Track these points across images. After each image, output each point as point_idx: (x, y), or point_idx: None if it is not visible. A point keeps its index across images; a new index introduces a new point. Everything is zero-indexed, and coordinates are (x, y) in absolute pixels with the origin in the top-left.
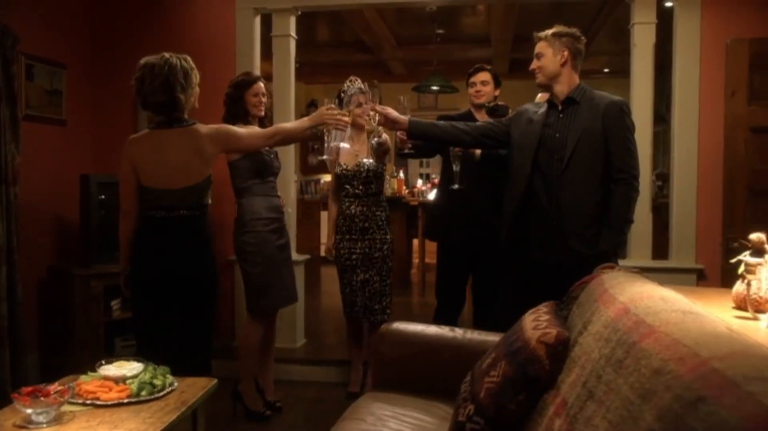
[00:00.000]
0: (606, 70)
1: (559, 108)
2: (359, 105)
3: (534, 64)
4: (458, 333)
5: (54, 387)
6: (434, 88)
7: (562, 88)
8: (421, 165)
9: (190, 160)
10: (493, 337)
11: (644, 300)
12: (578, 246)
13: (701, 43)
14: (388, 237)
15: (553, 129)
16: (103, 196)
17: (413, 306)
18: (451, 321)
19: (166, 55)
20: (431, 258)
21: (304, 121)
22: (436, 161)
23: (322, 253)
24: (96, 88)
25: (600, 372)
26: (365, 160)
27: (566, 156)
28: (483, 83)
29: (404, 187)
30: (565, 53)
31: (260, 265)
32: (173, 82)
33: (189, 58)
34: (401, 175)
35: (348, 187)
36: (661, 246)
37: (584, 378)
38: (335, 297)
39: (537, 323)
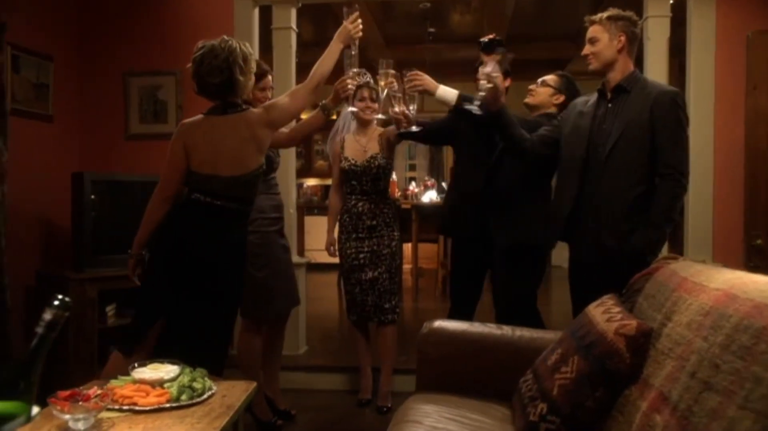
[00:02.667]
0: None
1: (608, 97)
2: (363, 99)
3: (587, 50)
4: (506, 330)
5: (93, 391)
6: None
7: (615, 76)
8: (407, 169)
9: (242, 147)
10: (544, 334)
11: (750, 284)
12: (610, 241)
13: (717, 36)
14: (395, 234)
15: (600, 119)
16: (94, 196)
17: (406, 311)
18: (467, 319)
19: (226, 37)
20: (424, 263)
21: (333, 47)
22: (422, 162)
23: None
24: (84, 82)
25: (716, 361)
26: (377, 156)
27: (608, 147)
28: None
29: (397, 190)
30: (622, 38)
31: (266, 268)
32: (233, 63)
33: (248, 44)
34: (394, 176)
35: (355, 182)
36: (672, 244)
37: (691, 369)
38: (327, 302)
39: (609, 315)
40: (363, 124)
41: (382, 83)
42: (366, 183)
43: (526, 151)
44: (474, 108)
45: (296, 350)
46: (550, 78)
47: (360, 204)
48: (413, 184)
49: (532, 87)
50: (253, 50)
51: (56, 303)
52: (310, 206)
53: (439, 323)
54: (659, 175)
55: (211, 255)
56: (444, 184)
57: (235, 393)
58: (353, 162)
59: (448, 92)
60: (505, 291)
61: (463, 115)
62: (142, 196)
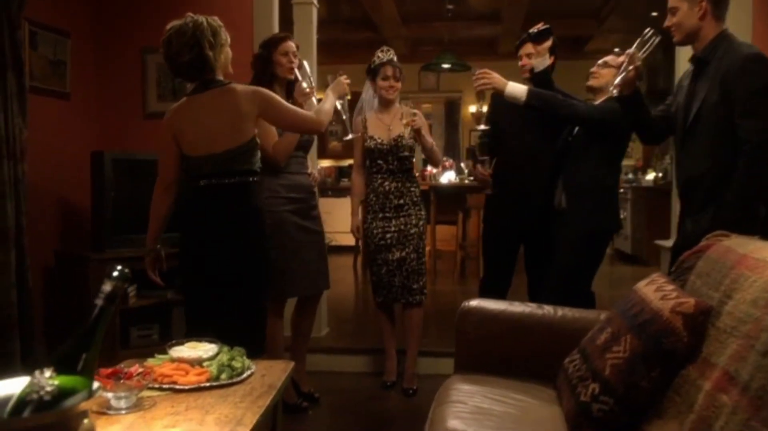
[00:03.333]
0: (616, 50)
1: (694, 69)
2: (386, 78)
3: (668, 21)
4: (547, 310)
5: (135, 368)
6: (445, 66)
7: (698, 46)
8: None
9: (231, 120)
10: (587, 314)
11: None
12: (690, 227)
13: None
14: (422, 212)
15: (688, 97)
16: (113, 175)
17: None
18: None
19: (192, 15)
20: (442, 245)
21: (331, 97)
22: (438, 142)
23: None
24: (102, 59)
25: None
26: (403, 135)
27: (687, 125)
28: (528, 56)
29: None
30: (703, 4)
31: (277, 248)
32: (200, 39)
33: (216, 18)
34: None
35: (381, 162)
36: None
37: (762, 347)
38: (343, 285)
39: (663, 293)
40: (386, 103)
41: (404, 122)
42: (392, 162)
43: (652, 131)
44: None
45: (318, 332)
46: (611, 58)
47: (386, 183)
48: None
49: (594, 69)
50: (274, 26)
51: (115, 274)
52: (323, 188)
53: (478, 302)
54: (740, 152)
55: (223, 235)
56: (462, 164)
57: (274, 372)
58: (379, 141)
59: (517, 89)
60: (567, 274)
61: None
62: None
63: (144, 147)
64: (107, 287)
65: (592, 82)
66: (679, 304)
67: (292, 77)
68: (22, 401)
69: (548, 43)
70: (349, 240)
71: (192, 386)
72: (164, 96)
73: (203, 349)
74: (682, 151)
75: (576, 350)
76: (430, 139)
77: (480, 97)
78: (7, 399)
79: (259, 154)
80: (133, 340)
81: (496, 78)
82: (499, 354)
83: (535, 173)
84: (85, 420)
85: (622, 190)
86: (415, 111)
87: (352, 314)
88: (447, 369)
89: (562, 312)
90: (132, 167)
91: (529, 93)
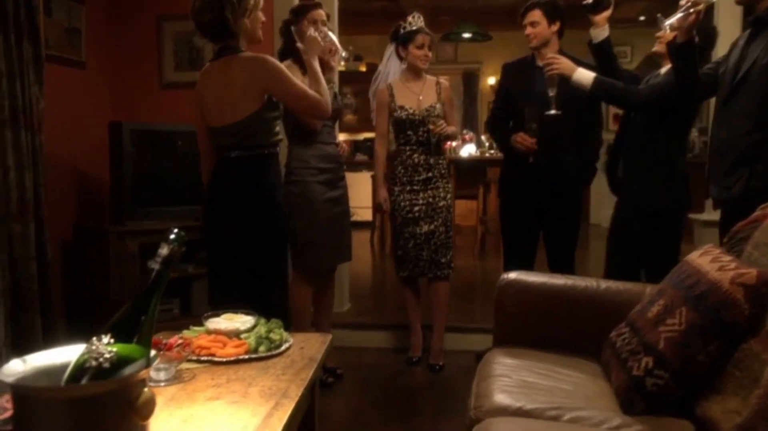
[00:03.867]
0: (642, 18)
1: (750, 30)
2: (421, 46)
3: None
4: (590, 282)
5: (174, 340)
6: (465, 35)
7: (764, 6)
8: None
9: (236, 92)
10: (632, 287)
11: None
12: (717, 192)
13: None
14: (449, 186)
15: (738, 55)
16: (132, 146)
17: None
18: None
19: None
20: (461, 221)
21: (313, 64)
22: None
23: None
24: (116, 27)
25: None
26: (435, 106)
27: (734, 84)
28: (532, 24)
29: None
30: None
31: (305, 219)
32: (223, 0)
33: None
34: None
35: (411, 133)
36: None
37: None
38: (360, 261)
39: (720, 264)
40: (416, 71)
41: (431, 127)
42: (423, 133)
43: (694, 87)
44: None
45: (340, 308)
46: (680, 18)
47: (415, 156)
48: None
49: (659, 34)
50: None
51: (172, 237)
52: None
53: (518, 275)
54: None
55: (235, 209)
56: (483, 137)
57: (312, 344)
58: (410, 111)
59: (584, 76)
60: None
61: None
62: (183, 147)
63: (160, 119)
64: (164, 251)
65: (657, 48)
66: (739, 275)
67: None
68: (80, 368)
69: (608, 13)
70: (366, 215)
71: (231, 358)
72: (181, 66)
73: (240, 321)
74: (722, 111)
75: (624, 323)
76: (452, 129)
77: (550, 82)
78: (62, 367)
79: (275, 127)
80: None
81: (564, 63)
82: (540, 328)
83: (549, 145)
84: (145, 389)
85: None
86: (442, 121)
87: (372, 290)
88: (471, 344)
89: (605, 284)
90: (151, 138)
91: (595, 82)
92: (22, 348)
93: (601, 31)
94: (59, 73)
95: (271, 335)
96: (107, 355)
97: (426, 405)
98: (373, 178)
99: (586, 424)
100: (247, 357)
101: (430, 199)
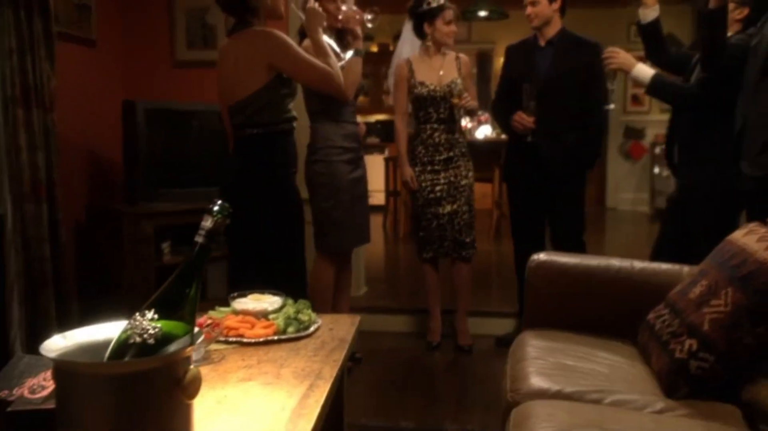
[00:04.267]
0: None
1: None
2: (449, 22)
3: None
4: (625, 263)
5: (203, 320)
6: (482, 14)
7: None
8: None
9: (243, 68)
10: (669, 267)
11: None
12: (748, 169)
13: None
14: (470, 164)
15: None
16: (146, 126)
17: None
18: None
19: None
20: (476, 204)
21: (316, 36)
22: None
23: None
24: (127, 3)
25: None
26: (456, 81)
27: (759, 65)
28: (532, 3)
29: None
30: None
31: (331, 199)
32: None
33: None
34: None
35: (432, 110)
36: None
37: None
38: (373, 244)
39: None
40: (438, 47)
41: (455, 101)
42: (444, 111)
43: (721, 58)
44: None
45: (356, 291)
46: None
47: (436, 134)
48: (466, 119)
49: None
50: None
51: (215, 208)
52: None
53: (549, 255)
54: None
55: (246, 190)
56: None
57: (342, 326)
58: (432, 87)
59: (643, 73)
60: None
61: None
62: (199, 127)
63: (173, 98)
64: (207, 223)
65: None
66: None
67: (339, 26)
68: (123, 344)
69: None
70: (379, 199)
71: (260, 339)
72: (194, 43)
73: (268, 301)
74: (758, 84)
75: (662, 305)
76: (475, 103)
77: (611, 75)
78: (104, 344)
79: (286, 104)
80: None
81: (623, 57)
82: (572, 310)
83: (548, 124)
84: (191, 367)
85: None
86: (467, 94)
87: (385, 274)
88: (489, 329)
89: (640, 265)
90: (166, 117)
91: (653, 81)
92: (35, 331)
93: (650, 12)
94: (69, 50)
95: (300, 316)
96: (151, 331)
97: (449, 390)
98: (386, 160)
99: (629, 408)
100: (276, 338)
101: (452, 179)
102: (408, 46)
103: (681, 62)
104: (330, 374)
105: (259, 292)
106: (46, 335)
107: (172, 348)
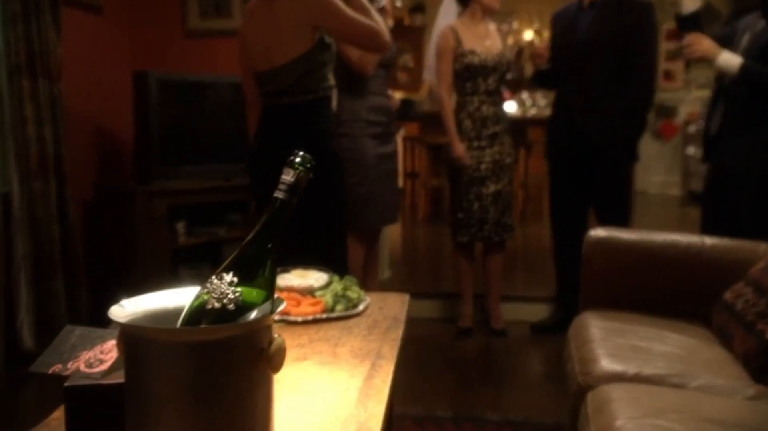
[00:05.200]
0: None
1: None
2: None
3: None
4: (693, 239)
5: None
6: None
7: None
8: None
9: (284, 30)
10: (742, 244)
11: None
12: None
13: None
14: (512, 140)
15: None
16: (159, 98)
17: None
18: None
19: None
20: None
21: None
22: None
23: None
24: None
25: None
26: (504, 51)
27: None
28: None
29: None
30: None
31: (356, 175)
32: None
33: None
34: None
35: (480, 81)
36: None
37: None
38: (394, 227)
39: None
40: (482, 15)
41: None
42: (493, 82)
43: None
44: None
45: (381, 275)
46: None
47: (485, 107)
48: None
49: None
50: None
51: (297, 160)
52: None
53: (609, 232)
54: None
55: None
56: (524, 95)
57: (392, 304)
58: (483, 57)
59: (730, 62)
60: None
61: None
62: (215, 100)
63: (184, 70)
64: (288, 177)
65: None
66: None
67: None
68: (198, 311)
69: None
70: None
71: (308, 317)
72: (207, 12)
73: (313, 278)
74: None
75: (741, 283)
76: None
77: (689, 63)
78: (174, 311)
79: (327, 71)
80: (183, 280)
81: (706, 45)
82: (634, 289)
83: (583, 91)
84: (276, 336)
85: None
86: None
87: (406, 258)
88: (520, 314)
89: (711, 242)
90: (180, 89)
91: (742, 71)
92: (44, 317)
93: (691, 2)
94: (74, 18)
95: (348, 293)
96: (231, 296)
97: (485, 377)
98: (405, 140)
99: (717, 393)
100: (324, 316)
101: (497, 156)
102: (452, 14)
103: (722, 42)
104: (391, 353)
105: (303, 268)
106: (55, 322)
107: (255, 314)
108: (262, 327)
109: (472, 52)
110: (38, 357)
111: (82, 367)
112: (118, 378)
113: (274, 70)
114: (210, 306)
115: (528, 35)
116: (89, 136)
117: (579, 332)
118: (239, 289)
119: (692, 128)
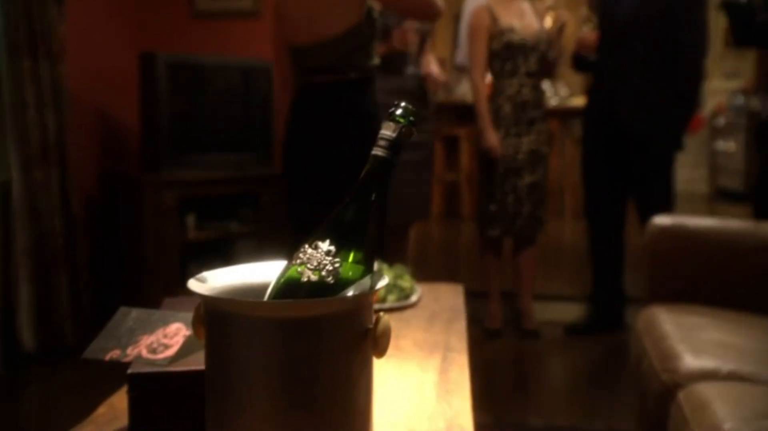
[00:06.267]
0: None
1: None
2: None
3: None
4: None
5: None
6: None
7: None
8: None
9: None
10: None
11: None
12: None
13: None
14: (548, 128)
15: None
16: (169, 82)
17: None
18: (612, 248)
19: None
20: None
21: None
22: None
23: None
24: None
25: None
26: (544, 29)
27: None
28: None
29: None
30: None
31: None
32: None
33: None
34: None
35: (521, 61)
36: None
37: None
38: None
39: None
40: None
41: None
42: (532, 63)
43: None
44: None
45: None
46: None
47: (525, 90)
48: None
49: None
50: None
51: (398, 112)
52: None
53: (675, 219)
54: None
55: (334, 145)
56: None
57: (446, 295)
58: (522, 35)
59: None
60: None
61: None
62: (228, 84)
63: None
64: (389, 132)
65: None
66: None
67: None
68: (291, 283)
69: None
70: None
71: None
72: None
73: None
74: None
75: None
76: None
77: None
78: (259, 287)
79: (374, 47)
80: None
81: None
82: (707, 281)
83: (622, 72)
84: (382, 314)
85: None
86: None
87: (423, 255)
88: (551, 314)
89: None
90: (190, 72)
91: None
92: (45, 315)
93: None
94: None
95: (400, 282)
96: (330, 267)
97: (522, 381)
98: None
99: None
100: (377, 307)
101: (534, 145)
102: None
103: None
104: (461, 346)
105: None
106: (57, 320)
107: (357, 288)
108: (367, 304)
109: (511, 30)
110: (91, 342)
111: (144, 353)
112: (187, 365)
113: (318, 44)
114: (305, 279)
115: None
116: (93, 121)
117: (651, 327)
118: (338, 260)
119: (720, 121)
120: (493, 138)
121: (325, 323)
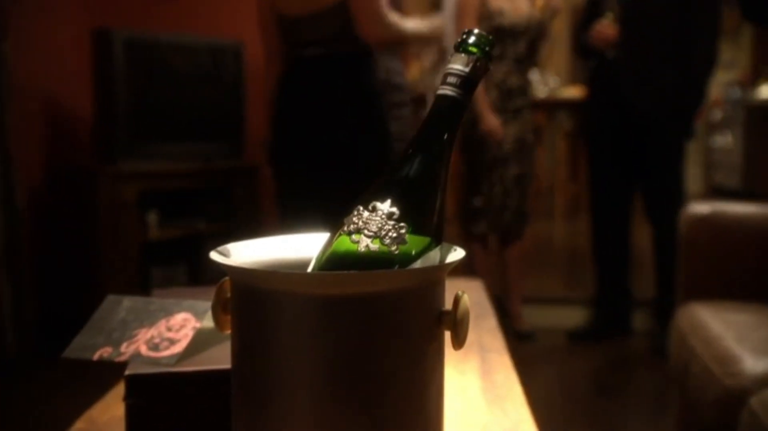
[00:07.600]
0: None
1: None
2: None
3: None
4: None
5: None
6: None
7: None
8: None
9: None
10: None
11: None
12: None
13: None
14: (532, 117)
15: None
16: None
17: None
18: (618, 246)
19: None
20: None
21: (423, 27)
22: None
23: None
24: None
25: None
26: (535, 12)
27: None
28: None
29: None
30: None
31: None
32: None
33: None
34: None
35: (509, 46)
36: None
37: None
38: None
39: None
40: None
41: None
42: (520, 48)
43: None
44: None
45: None
46: None
47: (512, 77)
48: None
49: None
50: None
51: (471, 40)
52: None
53: (713, 207)
54: None
55: (331, 132)
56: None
57: (470, 290)
58: (512, 18)
59: None
60: None
61: None
62: (194, 65)
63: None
64: (459, 65)
65: None
66: None
67: None
68: (344, 254)
69: None
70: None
71: None
72: None
73: None
74: None
75: None
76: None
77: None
78: (295, 263)
79: None
80: (156, 282)
81: None
82: (751, 275)
83: (634, 56)
84: (461, 293)
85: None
86: None
87: None
88: (546, 319)
89: None
90: (151, 52)
91: None
92: None
93: None
94: None
95: None
96: (394, 234)
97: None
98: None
99: None
100: None
101: (519, 134)
102: None
103: None
104: (499, 344)
105: None
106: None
107: (428, 260)
108: (440, 281)
109: (500, 13)
110: (74, 339)
111: (144, 350)
112: (201, 363)
113: (311, 15)
114: (363, 248)
115: None
116: (40, 106)
117: (696, 327)
118: (404, 224)
119: (717, 115)
120: (492, 120)
121: (393, 302)
